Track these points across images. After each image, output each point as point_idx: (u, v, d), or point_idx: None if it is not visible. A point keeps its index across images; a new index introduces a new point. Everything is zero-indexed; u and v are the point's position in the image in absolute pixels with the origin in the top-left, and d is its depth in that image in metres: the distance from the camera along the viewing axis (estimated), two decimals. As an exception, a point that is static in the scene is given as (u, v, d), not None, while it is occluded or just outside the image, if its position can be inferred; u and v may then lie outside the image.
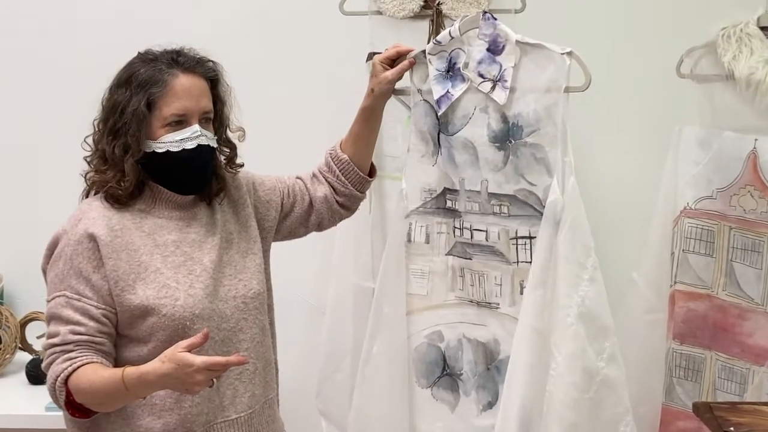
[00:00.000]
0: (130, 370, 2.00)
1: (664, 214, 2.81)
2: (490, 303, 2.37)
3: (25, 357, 3.23)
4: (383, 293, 2.44)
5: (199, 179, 2.20)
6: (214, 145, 2.21)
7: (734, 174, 2.68)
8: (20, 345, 3.24)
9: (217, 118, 2.24)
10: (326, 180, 2.45)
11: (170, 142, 2.13)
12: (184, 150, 2.13)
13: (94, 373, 2.03)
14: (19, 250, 2.92)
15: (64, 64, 3.32)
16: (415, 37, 2.84)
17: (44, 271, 2.17)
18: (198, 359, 1.93)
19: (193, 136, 2.14)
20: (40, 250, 2.17)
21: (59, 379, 2.04)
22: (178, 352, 1.95)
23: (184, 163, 2.14)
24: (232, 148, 2.31)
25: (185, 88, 2.13)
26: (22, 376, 3.15)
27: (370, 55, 2.87)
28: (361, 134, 2.43)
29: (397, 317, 2.44)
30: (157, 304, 2.09)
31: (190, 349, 1.95)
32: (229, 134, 2.30)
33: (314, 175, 2.47)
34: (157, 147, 2.13)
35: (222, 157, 2.29)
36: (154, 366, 1.97)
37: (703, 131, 2.74)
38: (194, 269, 2.16)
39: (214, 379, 1.99)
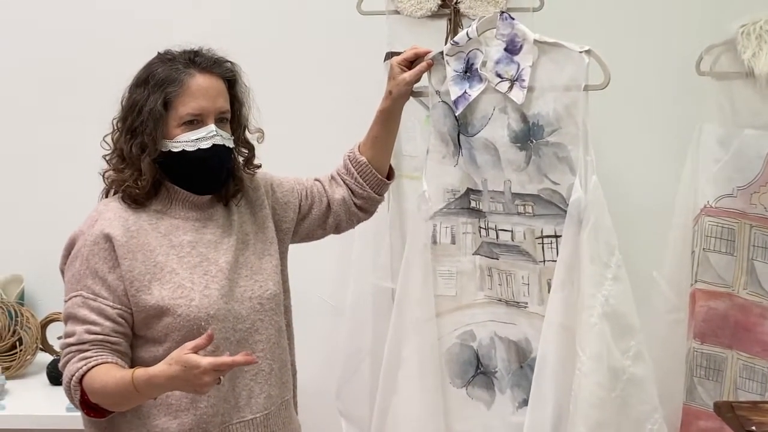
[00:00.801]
0: (140, 372, 2.00)
1: (685, 213, 2.80)
2: (518, 302, 2.35)
3: (46, 358, 3.25)
4: (406, 296, 2.42)
5: (215, 179, 2.20)
6: (231, 145, 2.21)
7: (755, 172, 2.66)
8: (41, 346, 3.26)
9: (234, 118, 2.24)
10: (344, 182, 2.45)
11: (186, 141, 2.13)
12: (199, 149, 2.13)
13: (107, 373, 2.03)
14: (39, 251, 2.93)
15: (84, 63, 3.34)
16: (432, 37, 2.84)
17: (62, 272, 2.18)
18: (204, 360, 1.93)
19: (208, 136, 2.14)
20: (61, 251, 2.18)
21: (74, 378, 2.05)
22: (184, 354, 1.94)
23: (200, 162, 2.14)
24: (251, 149, 2.31)
25: (201, 88, 2.14)
26: (43, 377, 3.16)
27: (388, 55, 2.87)
28: (379, 136, 2.42)
29: (426, 319, 2.41)
30: (173, 304, 2.09)
31: (196, 351, 1.95)
32: (248, 135, 2.30)
33: (332, 178, 2.47)
34: (173, 146, 2.13)
35: (240, 158, 2.29)
36: (161, 368, 1.97)
37: (723, 129, 2.73)
38: (210, 270, 2.16)
39: (221, 377, 1.98)
